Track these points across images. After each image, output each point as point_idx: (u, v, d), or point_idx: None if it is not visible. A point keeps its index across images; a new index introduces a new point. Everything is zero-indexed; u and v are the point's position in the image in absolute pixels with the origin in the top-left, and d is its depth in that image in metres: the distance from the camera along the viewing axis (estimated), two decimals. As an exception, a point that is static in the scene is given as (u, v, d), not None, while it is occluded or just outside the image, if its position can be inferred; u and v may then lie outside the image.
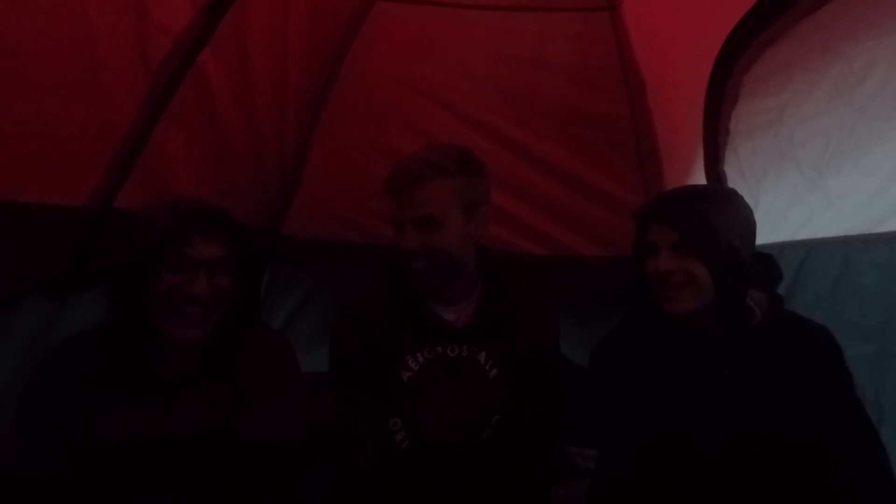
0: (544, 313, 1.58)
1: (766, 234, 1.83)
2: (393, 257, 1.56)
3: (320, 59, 2.20)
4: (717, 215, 1.28)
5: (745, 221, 1.34)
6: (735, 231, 1.29)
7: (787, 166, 1.71)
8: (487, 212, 1.48)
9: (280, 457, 1.32)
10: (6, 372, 1.42)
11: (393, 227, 1.42)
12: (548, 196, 2.50)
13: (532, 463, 1.51)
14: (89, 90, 1.39)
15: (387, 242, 2.46)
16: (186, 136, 1.73)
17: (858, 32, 1.38)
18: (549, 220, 2.55)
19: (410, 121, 2.39)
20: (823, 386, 1.30)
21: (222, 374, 1.30)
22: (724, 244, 1.27)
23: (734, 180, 1.82)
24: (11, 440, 1.23)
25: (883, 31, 1.35)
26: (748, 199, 1.81)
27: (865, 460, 1.27)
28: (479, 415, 1.47)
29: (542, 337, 1.56)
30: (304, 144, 2.44)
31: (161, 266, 1.20)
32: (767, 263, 1.41)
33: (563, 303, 2.21)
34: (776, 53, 1.53)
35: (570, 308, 2.35)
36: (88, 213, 1.56)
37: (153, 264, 1.19)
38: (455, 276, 1.45)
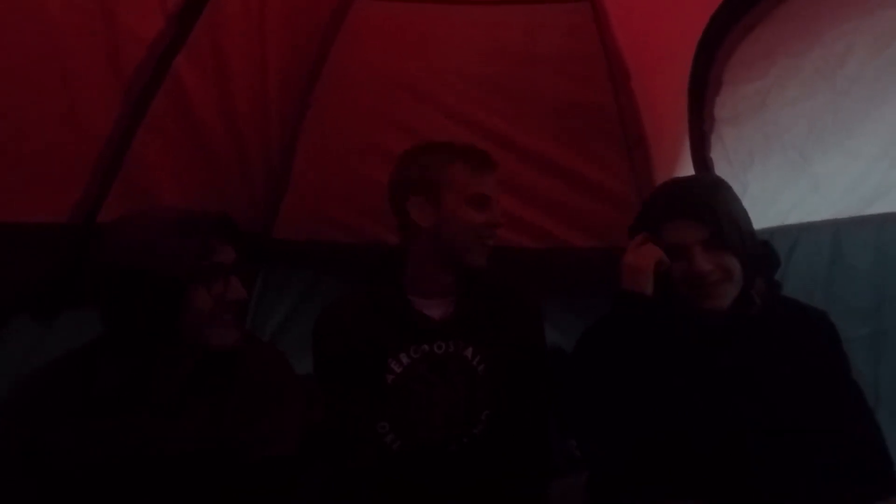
0: (528, 307, 1.58)
1: (756, 219, 1.79)
2: (378, 258, 1.56)
3: (301, 59, 2.18)
4: (734, 204, 1.28)
5: (743, 206, 1.34)
6: (748, 218, 1.30)
7: (774, 151, 1.70)
8: None
9: (277, 470, 1.31)
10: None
11: (471, 206, 1.45)
12: (538, 189, 2.49)
13: (526, 460, 1.50)
14: (62, 103, 1.38)
15: (375, 242, 2.50)
16: (167, 145, 1.72)
17: (838, 15, 1.37)
18: (540, 213, 2.53)
19: (398, 118, 2.38)
20: (822, 371, 1.28)
21: (222, 385, 1.28)
22: (747, 231, 1.26)
23: (721, 167, 1.81)
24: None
25: (862, 13, 1.34)
26: (736, 186, 1.80)
27: (864, 444, 1.26)
28: (469, 411, 1.47)
29: (528, 331, 1.56)
30: (289, 146, 2.42)
31: (198, 281, 1.20)
32: (765, 250, 1.39)
33: (557, 295, 2.23)
34: (758, 37, 1.52)
35: (565, 300, 2.35)
36: (71, 229, 1.55)
37: (193, 282, 1.19)
38: None
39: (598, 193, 2.46)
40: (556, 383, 1.59)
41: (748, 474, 1.26)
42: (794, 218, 1.78)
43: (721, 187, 1.33)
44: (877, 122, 1.48)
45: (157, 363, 1.24)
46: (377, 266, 1.55)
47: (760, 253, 1.32)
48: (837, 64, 1.44)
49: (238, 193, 2.21)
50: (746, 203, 1.75)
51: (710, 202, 1.27)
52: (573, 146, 2.42)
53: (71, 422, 1.19)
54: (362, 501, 1.44)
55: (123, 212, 1.44)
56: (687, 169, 1.94)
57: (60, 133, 1.42)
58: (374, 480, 1.44)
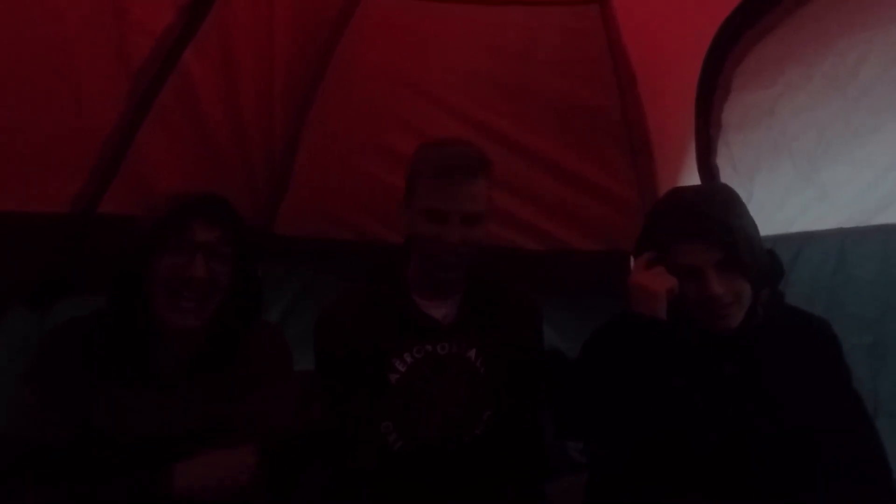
0: (527, 308, 1.57)
1: (761, 226, 1.80)
2: (380, 256, 1.55)
3: (307, 56, 2.17)
4: (746, 219, 1.24)
5: (750, 215, 1.31)
6: (757, 233, 1.26)
7: (781, 159, 1.69)
8: None
9: (276, 448, 1.32)
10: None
11: (426, 219, 1.37)
12: (540, 190, 2.49)
13: (524, 459, 1.50)
14: (67, 94, 1.37)
15: (376, 240, 2.49)
16: (171, 138, 1.71)
17: (852, 25, 1.36)
18: (542, 215, 2.53)
19: (400, 117, 2.37)
20: (822, 381, 1.28)
21: (222, 367, 1.31)
22: (758, 251, 1.22)
23: (727, 173, 1.80)
24: (20, 409, 1.22)
25: (877, 24, 1.33)
26: (742, 193, 1.79)
27: (863, 454, 1.26)
28: (470, 412, 1.46)
29: (528, 331, 1.55)
30: (292, 142, 2.41)
31: (162, 250, 1.22)
32: (770, 259, 1.37)
33: (557, 296, 2.22)
34: (768, 45, 1.51)
35: (565, 302, 2.35)
36: (71, 219, 1.53)
37: (154, 249, 1.22)
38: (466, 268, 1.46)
39: (601, 196, 2.46)
40: (555, 384, 1.59)
41: (748, 478, 1.26)
42: (799, 226, 1.78)
43: (733, 203, 1.28)
44: (887, 133, 1.48)
45: (162, 337, 1.26)
46: (380, 265, 1.54)
47: (766, 264, 1.30)
48: (850, 73, 1.43)
49: (240, 188, 2.20)
50: (751, 210, 1.76)
51: (727, 224, 1.22)
52: (577, 148, 2.41)
53: (80, 385, 1.22)
54: (362, 501, 1.43)
55: (125, 203, 1.45)
56: (691, 174, 1.93)
57: (65, 124, 1.41)
58: (374, 480, 1.43)
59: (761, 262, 1.25)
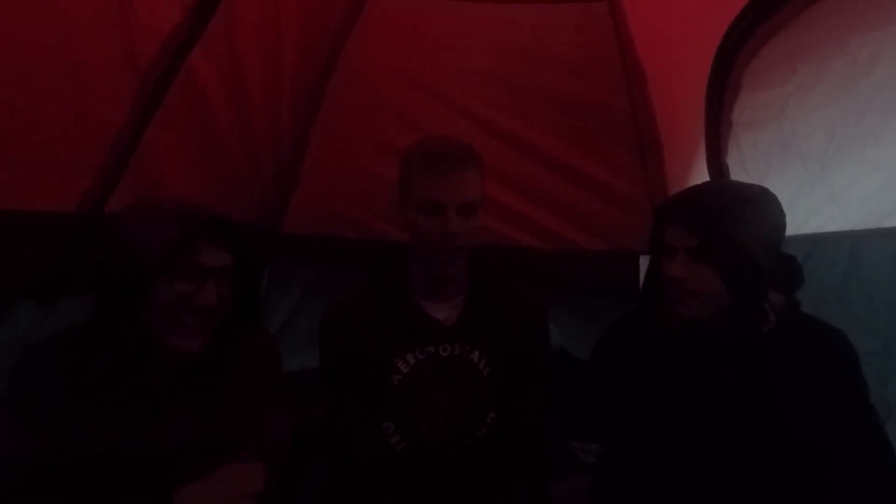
0: (532, 308, 1.56)
1: (768, 227, 1.80)
2: (383, 255, 1.55)
3: (315, 55, 2.18)
4: (743, 225, 1.22)
5: (773, 230, 1.28)
6: (759, 241, 1.23)
7: (791, 159, 1.67)
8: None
9: (279, 463, 1.31)
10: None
11: (422, 212, 1.35)
12: (547, 189, 2.48)
13: (529, 460, 1.50)
14: (75, 94, 1.37)
15: (383, 239, 2.49)
16: (179, 138, 1.71)
17: (864, 23, 1.34)
18: (549, 214, 2.53)
19: (408, 115, 2.37)
20: (834, 394, 1.25)
21: (212, 385, 1.27)
22: (743, 256, 1.21)
23: (736, 173, 1.78)
24: (9, 433, 1.18)
25: (890, 22, 1.31)
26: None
27: (874, 470, 1.24)
28: (473, 414, 1.46)
29: (533, 332, 1.54)
30: (300, 141, 2.42)
31: (167, 276, 1.16)
32: (791, 266, 1.35)
33: (563, 296, 2.22)
34: (779, 44, 1.49)
35: (570, 302, 2.34)
36: (79, 218, 1.54)
37: (159, 274, 1.15)
38: (464, 264, 1.45)
39: (609, 195, 2.45)
40: (560, 385, 1.59)
41: (748, 485, 1.25)
42: (809, 228, 1.75)
43: (741, 204, 1.25)
44: (899, 133, 1.46)
45: (153, 357, 1.22)
46: (382, 266, 1.54)
47: (768, 275, 1.26)
48: (862, 72, 1.41)
49: (248, 188, 2.21)
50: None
51: (707, 215, 1.23)
52: (584, 146, 2.41)
53: (56, 412, 1.17)
54: (363, 501, 1.44)
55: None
56: (701, 174, 1.92)
57: (72, 124, 1.41)
58: (375, 480, 1.44)
59: (746, 266, 1.22)
